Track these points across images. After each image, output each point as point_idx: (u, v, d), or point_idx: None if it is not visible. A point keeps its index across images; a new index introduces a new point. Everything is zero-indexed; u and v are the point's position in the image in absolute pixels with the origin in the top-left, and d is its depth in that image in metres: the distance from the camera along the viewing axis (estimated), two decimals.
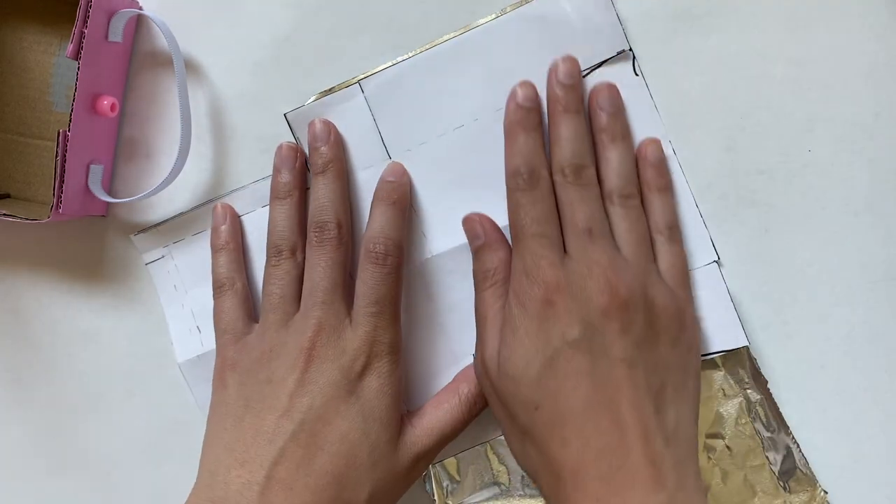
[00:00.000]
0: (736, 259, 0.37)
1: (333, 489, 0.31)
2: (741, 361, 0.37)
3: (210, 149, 0.39)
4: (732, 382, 0.37)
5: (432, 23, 0.38)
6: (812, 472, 0.36)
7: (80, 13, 0.34)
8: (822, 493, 0.36)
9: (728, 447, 0.36)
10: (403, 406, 0.36)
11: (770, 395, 0.37)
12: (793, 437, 0.36)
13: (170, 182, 0.37)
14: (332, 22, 0.39)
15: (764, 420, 0.36)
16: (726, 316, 0.37)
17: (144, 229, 0.39)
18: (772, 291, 0.38)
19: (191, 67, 0.39)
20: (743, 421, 0.36)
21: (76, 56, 0.34)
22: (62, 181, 0.35)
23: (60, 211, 0.35)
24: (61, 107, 0.39)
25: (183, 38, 0.38)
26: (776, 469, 0.36)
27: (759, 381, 0.37)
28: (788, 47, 0.37)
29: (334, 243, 0.35)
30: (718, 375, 0.37)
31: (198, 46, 0.39)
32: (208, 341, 0.38)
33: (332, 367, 0.33)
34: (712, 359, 0.37)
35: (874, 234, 0.37)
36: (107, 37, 0.36)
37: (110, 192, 0.39)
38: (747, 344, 0.37)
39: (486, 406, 0.36)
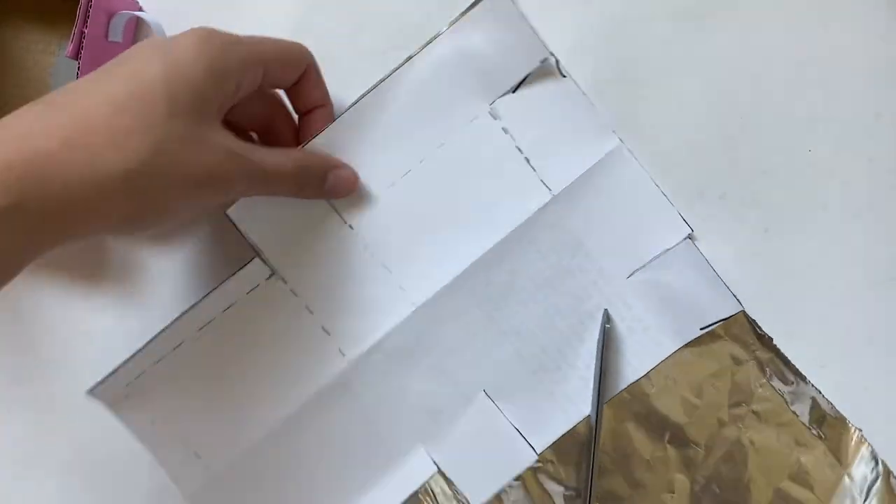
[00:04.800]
0: (736, 259, 0.38)
1: None
2: (742, 327, 0.37)
3: None
4: (740, 348, 0.37)
5: (432, 23, 0.38)
6: (841, 414, 0.37)
7: (80, 13, 0.34)
8: (857, 431, 0.37)
9: (754, 412, 0.37)
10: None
11: (779, 350, 0.37)
12: (813, 385, 0.37)
13: None
14: (333, 22, 0.39)
15: (780, 376, 0.37)
16: (715, 287, 0.37)
17: (100, 382, 0.36)
18: (772, 291, 0.38)
19: None
20: (761, 382, 0.37)
21: (76, 56, 0.34)
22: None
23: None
24: None
25: None
26: (805, 420, 0.37)
27: (765, 341, 0.37)
28: (788, 47, 0.37)
29: None
30: (725, 345, 0.37)
31: None
32: (215, 463, 0.37)
33: None
34: (713, 330, 0.37)
35: (874, 234, 0.37)
36: (107, 36, 0.36)
37: None
38: (742, 308, 0.37)
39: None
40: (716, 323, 0.37)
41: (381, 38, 0.38)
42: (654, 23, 0.38)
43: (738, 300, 0.37)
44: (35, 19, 0.39)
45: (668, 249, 0.37)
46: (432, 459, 0.37)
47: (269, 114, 0.35)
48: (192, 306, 0.36)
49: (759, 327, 0.37)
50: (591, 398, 0.37)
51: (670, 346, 0.37)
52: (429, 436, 0.38)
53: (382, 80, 0.35)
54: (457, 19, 0.35)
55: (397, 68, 0.35)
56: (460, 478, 0.37)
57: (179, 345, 0.36)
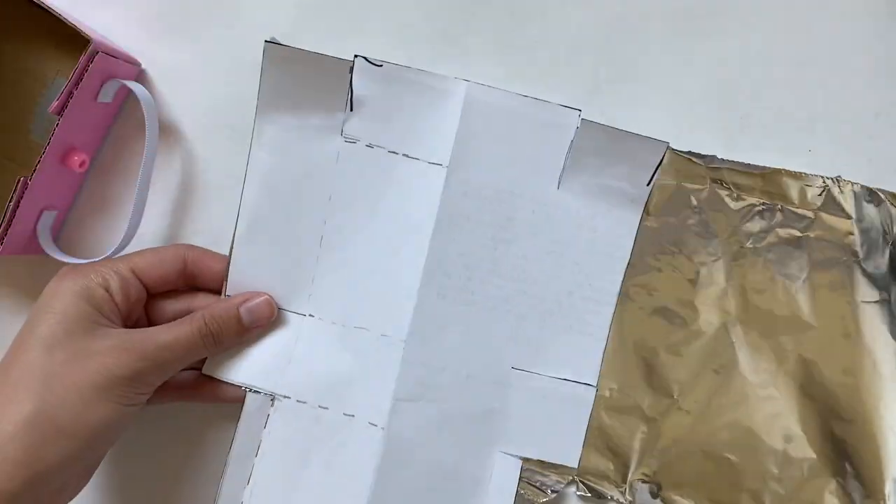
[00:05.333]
0: None
1: None
2: (678, 158, 0.36)
3: (169, 206, 0.39)
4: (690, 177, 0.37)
5: (432, 22, 0.38)
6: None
7: (75, 73, 0.33)
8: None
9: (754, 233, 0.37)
10: None
11: (724, 160, 0.37)
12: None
13: (118, 252, 0.36)
14: (332, 22, 0.39)
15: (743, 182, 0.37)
16: (632, 141, 0.35)
17: None
18: None
19: (169, 131, 0.39)
20: (734, 196, 0.37)
21: (59, 113, 0.34)
22: (10, 224, 0.34)
23: (0, 252, 0.34)
24: (38, 136, 0.38)
25: (181, 39, 0.38)
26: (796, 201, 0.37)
27: (707, 158, 0.37)
28: (788, 47, 0.37)
29: None
30: (680, 187, 0.37)
31: (196, 49, 0.39)
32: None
33: None
34: (662, 176, 0.36)
35: None
36: (96, 98, 0.36)
37: (61, 236, 0.38)
38: (667, 143, 0.35)
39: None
40: (656, 170, 0.35)
41: (382, 37, 0.38)
42: (654, 23, 0.38)
43: (658, 139, 0.35)
44: (39, 47, 0.38)
45: (572, 140, 0.36)
46: (511, 455, 0.36)
47: (189, 278, 0.36)
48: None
49: (697, 153, 0.37)
50: (603, 310, 0.37)
51: (633, 217, 0.36)
52: (496, 437, 0.37)
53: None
54: None
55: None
56: (547, 452, 0.36)
57: None
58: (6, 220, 0.34)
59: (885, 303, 0.36)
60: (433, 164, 0.36)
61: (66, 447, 0.29)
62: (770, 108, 0.37)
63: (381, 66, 0.35)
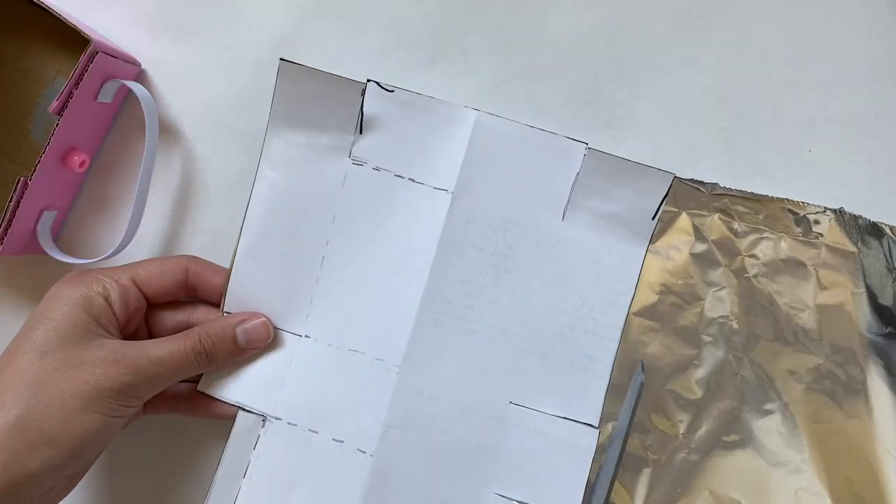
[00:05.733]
0: None
1: None
2: (685, 190, 0.36)
3: (169, 206, 0.39)
4: (697, 210, 0.37)
5: (432, 22, 0.38)
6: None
7: (75, 73, 0.33)
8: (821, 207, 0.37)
9: (752, 255, 0.36)
10: None
11: (730, 190, 0.36)
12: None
13: (118, 252, 0.37)
14: (332, 22, 0.39)
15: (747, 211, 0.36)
16: (638, 174, 0.35)
17: None
18: None
19: (169, 131, 0.39)
20: (734, 228, 0.37)
21: (59, 113, 0.34)
22: (10, 224, 0.34)
23: (1, 252, 0.34)
24: (38, 136, 0.38)
25: (181, 39, 0.38)
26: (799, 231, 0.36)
27: (712, 188, 0.36)
28: (788, 47, 0.37)
29: None
30: (683, 217, 0.37)
31: (196, 49, 0.39)
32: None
33: None
34: (665, 211, 0.36)
35: None
36: (96, 98, 0.36)
37: (61, 236, 0.38)
38: (673, 174, 0.35)
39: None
40: (662, 203, 0.35)
41: (381, 38, 0.38)
42: (654, 23, 0.38)
43: (664, 170, 0.35)
44: (39, 46, 0.38)
45: (578, 173, 0.35)
46: (508, 498, 0.35)
47: (190, 289, 0.36)
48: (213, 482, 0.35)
49: (700, 181, 0.36)
50: (607, 345, 0.36)
51: (638, 251, 0.36)
52: (490, 477, 0.35)
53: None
54: None
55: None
56: (545, 499, 0.35)
57: None
58: (6, 220, 0.34)
59: (891, 336, 0.36)
60: (438, 189, 0.36)
61: (48, 455, 0.29)
62: (770, 108, 0.37)
63: (392, 91, 0.36)
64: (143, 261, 0.35)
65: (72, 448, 0.30)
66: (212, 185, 0.39)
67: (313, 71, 0.34)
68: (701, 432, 0.36)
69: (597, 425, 0.35)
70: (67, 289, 0.32)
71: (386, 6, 0.38)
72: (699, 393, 0.36)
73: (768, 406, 0.36)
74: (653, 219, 0.35)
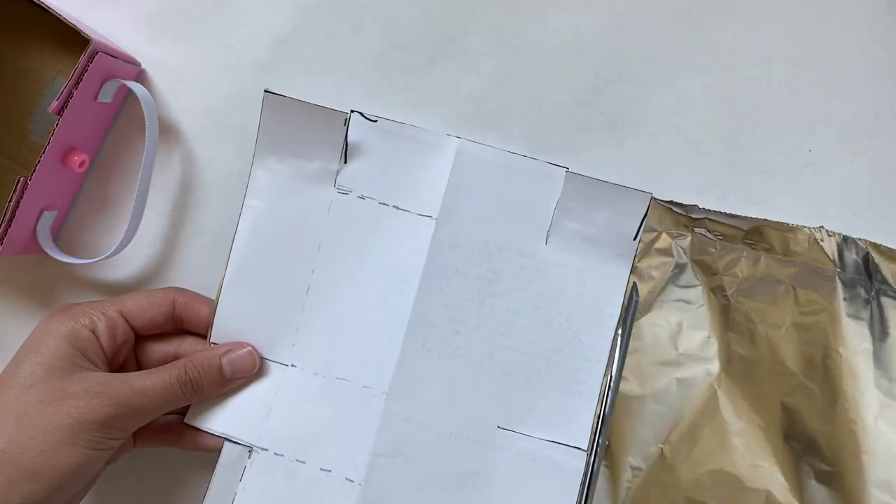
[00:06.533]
0: None
1: None
2: (663, 210, 0.37)
3: (169, 206, 0.39)
4: (674, 230, 0.37)
5: (432, 22, 0.38)
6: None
7: (75, 73, 0.33)
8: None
9: (733, 273, 0.37)
10: None
11: (708, 212, 0.36)
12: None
13: (118, 252, 0.37)
14: (332, 22, 0.39)
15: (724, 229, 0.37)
16: (617, 195, 0.35)
17: None
18: None
19: (169, 131, 0.39)
20: (714, 244, 0.37)
21: (59, 113, 0.34)
22: (10, 224, 0.34)
23: (1, 252, 0.34)
24: (38, 136, 0.38)
25: (181, 39, 0.38)
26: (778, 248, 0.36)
27: (689, 208, 0.37)
28: (788, 47, 0.37)
29: None
30: (665, 237, 0.37)
31: (196, 49, 0.39)
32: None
33: None
34: (646, 230, 0.36)
35: (874, 235, 0.37)
36: (96, 98, 0.36)
37: (61, 236, 0.38)
38: (650, 194, 0.35)
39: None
40: (642, 223, 0.35)
41: (381, 37, 0.38)
42: (654, 23, 0.38)
43: (641, 190, 0.35)
44: (40, 46, 0.38)
45: (559, 196, 0.36)
46: None
47: (177, 321, 0.36)
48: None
49: (679, 203, 0.37)
50: (593, 367, 0.36)
51: (621, 272, 0.36)
52: (479, 503, 0.35)
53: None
54: None
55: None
56: None
57: None
58: (6, 220, 0.34)
59: (868, 352, 0.36)
60: (423, 216, 0.36)
61: (30, 490, 0.29)
62: (770, 108, 0.37)
63: (375, 121, 0.36)
64: (132, 294, 0.35)
65: (54, 482, 0.30)
66: (212, 185, 0.39)
67: (298, 102, 0.35)
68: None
69: (585, 448, 0.35)
70: (55, 322, 0.32)
71: (385, 6, 0.38)
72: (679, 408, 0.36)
73: (745, 419, 0.36)
74: (634, 239, 0.36)
